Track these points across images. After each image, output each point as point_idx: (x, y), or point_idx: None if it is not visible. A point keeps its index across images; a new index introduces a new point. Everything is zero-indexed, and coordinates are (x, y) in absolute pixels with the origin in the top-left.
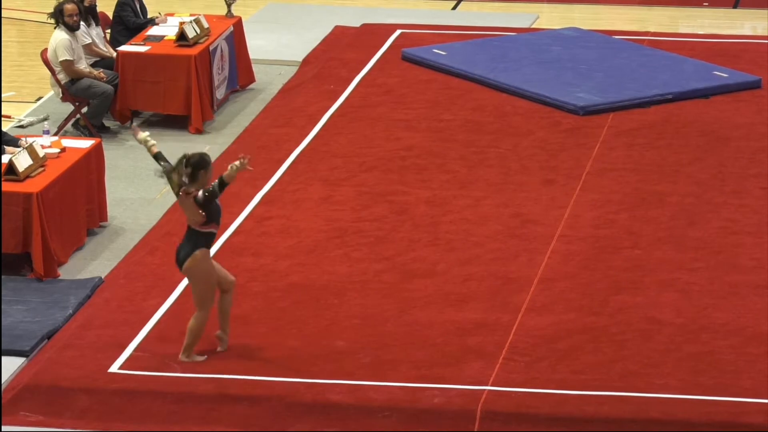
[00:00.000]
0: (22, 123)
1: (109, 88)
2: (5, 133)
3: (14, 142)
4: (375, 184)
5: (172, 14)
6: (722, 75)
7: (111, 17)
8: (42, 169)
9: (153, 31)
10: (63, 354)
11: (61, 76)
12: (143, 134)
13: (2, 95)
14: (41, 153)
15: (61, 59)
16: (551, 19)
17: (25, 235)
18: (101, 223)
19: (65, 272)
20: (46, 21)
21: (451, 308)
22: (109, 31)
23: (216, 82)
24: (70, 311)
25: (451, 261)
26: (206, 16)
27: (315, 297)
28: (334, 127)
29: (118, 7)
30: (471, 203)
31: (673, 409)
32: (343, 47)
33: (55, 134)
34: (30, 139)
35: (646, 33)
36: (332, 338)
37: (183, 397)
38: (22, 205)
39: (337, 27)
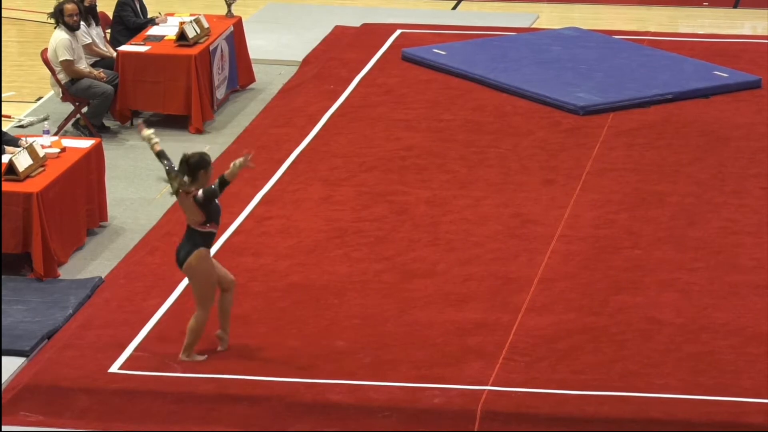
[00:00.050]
0: (22, 123)
1: (109, 88)
2: (5, 133)
3: (14, 142)
4: (375, 184)
5: (172, 14)
6: (722, 75)
7: (111, 17)
8: (42, 169)
9: (153, 31)
10: (63, 354)
11: (61, 76)
12: (148, 131)
13: (2, 95)
14: (41, 153)
15: (61, 59)
16: (551, 19)
17: (25, 235)
18: (101, 223)
19: (65, 272)
20: (46, 21)
21: (451, 308)
22: (109, 31)
23: (216, 82)
24: (70, 311)
25: (451, 261)
26: (206, 16)
27: (315, 297)
28: (334, 127)
29: (118, 7)
30: (471, 203)
31: (673, 409)
32: (343, 47)
33: (55, 134)
34: (30, 139)
35: (646, 33)
36: (332, 338)
37: (183, 397)
38: (22, 205)
39: (337, 27)
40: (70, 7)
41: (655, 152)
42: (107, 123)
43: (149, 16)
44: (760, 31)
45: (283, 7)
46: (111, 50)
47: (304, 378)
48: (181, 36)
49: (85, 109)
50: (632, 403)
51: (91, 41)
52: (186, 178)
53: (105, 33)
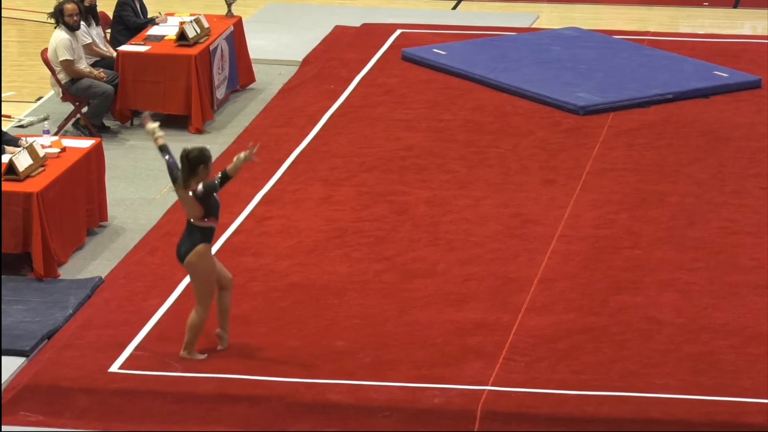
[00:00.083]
0: (22, 123)
1: (109, 87)
2: (5, 132)
3: (14, 142)
4: (375, 184)
5: (172, 14)
6: (722, 75)
7: (111, 17)
8: (42, 168)
9: (153, 30)
10: (63, 354)
11: (62, 76)
12: (152, 125)
13: (2, 95)
14: (41, 153)
15: (61, 59)
16: (551, 19)
17: (25, 235)
18: (101, 223)
19: (65, 272)
20: (46, 21)
21: (451, 308)
22: (109, 30)
23: (216, 82)
24: (70, 311)
25: (451, 261)
26: (206, 16)
27: (315, 297)
28: (334, 127)
29: (119, 7)
30: (471, 203)
31: (673, 409)
32: (343, 47)
33: (56, 134)
34: (30, 139)
35: (646, 33)
36: (332, 338)
37: (183, 397)
38: (22, 204)
39: (337, 27)
40: (70, 7)
41: (655, 152)
42: (107, 123)
43: (149, 16)
44: (760, 31)
45: (283, 7)
46: (111, 50)
47: (304, 378)
48: (181, 36)
49: (85, 109)
50: (632, 403)
51: (91, 41)
52: (185, 173)
53: (105, 33)
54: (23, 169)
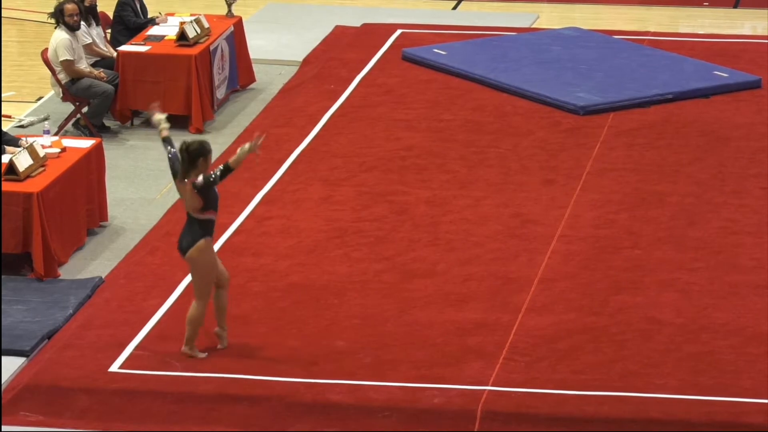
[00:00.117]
0: (22, 123)
1: (109, 87)
2: (5, 132)
3: (14, 142)
4: (375, 184)
5: (172, 14)
6: (722, 75)
7: (111, 17)
8: (42, 168)
9: (153, 30)
10: (63, 354)
11: (62, 76)
12: (160, 116)
13: (2, 95)
14: (42, 153)
15: (61, 59)
16: (551, 19)
17: (25, 235)
18: (101, 223)
19: (65, 272)
20: (46, 21)
21: (451, 308)
22: (109, 30)
23: (216, 82)
24: (71, 311)
25: (451, 261)
26: (206, 16)
27: (315, 297)
28: (335, 127)
29: (119, 7)
30: (471, 203)
31: (673, 409)
32: (343, 47)
33: (56, 134)
34: (30, 139)
35: (646, 33)
36: (332, 338)
37: (183, 397)
38: (23, 204)
39: (337, 27)
40: (70, 7)
41: (655, 152)
42: (107, 123)
43: (149, 16)
44: (760, 31)
45: (283, 7)
46: (111, 50)
47: (304, 378)
48: (182, 36)
49: (85, 109)
50: (632, 403)
51: (91, 41)
52: (185, 166)
53: (105, 33)
54: (23, 169)
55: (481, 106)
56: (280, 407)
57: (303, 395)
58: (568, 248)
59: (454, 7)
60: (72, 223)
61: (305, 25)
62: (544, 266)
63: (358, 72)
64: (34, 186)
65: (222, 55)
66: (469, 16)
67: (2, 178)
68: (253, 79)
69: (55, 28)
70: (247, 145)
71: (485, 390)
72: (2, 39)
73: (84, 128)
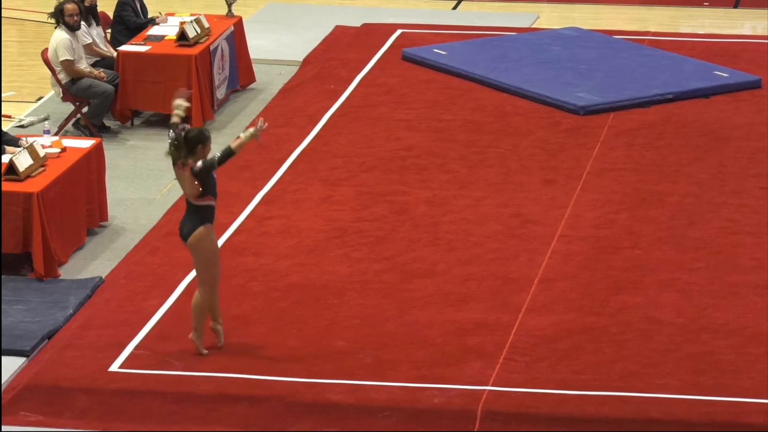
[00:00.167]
0: (22, 123)
1: (109, 87)
2: (5, 132)
3: (15, 142)
4: (375, 184)
5: (172, 14)
6: (722, 75)
7: (111, 17)
8: (42, 168)
9: (153, 30)
10: (63, 354)
11: (62, 76)
12: (182, 101)
13: (2, 95)
14: (42, 153)
15: (61, 59)
16: (551, 19)
17: (25, 235)
18: (101, 223)
19: (65, 272)
20: (46, 21)
21: (451, 308)
22: (109, 30)
23: (216, 82)
24: (71, 311)
25: (451, 261)
26: (207, 16)
27: (315, 297)
28: (335, 127)
29: (119, 7)
30: (471, 203)
31: (673, 409)
32: (343, 47)
33: (56, 134)
34: (30, 139)
35: (647, 33)
36: (332, 338)
37: (183, 397)
38: (23, 204)
39: (337, 27)
40: (70, 7)
41: (655, 152)
42: (107, 123)
43: (150, 16)
44: (760, 31)
45: (283, 7)
46: (111, 50)
47: (304, 378)
48: (182, 36)
49: (85, 109)
50: (632, 403)
51: (91, 41)
52: (183, 151)
53: (105, 33)
54: (23, 169)
55: (481, 106)
56: (280, 407)
57: (303, 395)
58: (568, 248)
59: (454, 7)
60: (72, 223)
61: (305, 25)
62: (544, 266)
63: (358, 72)
64: (34, 186)
65: (222, 55)
66: (469, 16)
67: (2, 178)
68: (253, 79)
69: (55, 28)
70: (249, 131)
71: (485, 390)
72: (2, 39)
73: (84, 128)
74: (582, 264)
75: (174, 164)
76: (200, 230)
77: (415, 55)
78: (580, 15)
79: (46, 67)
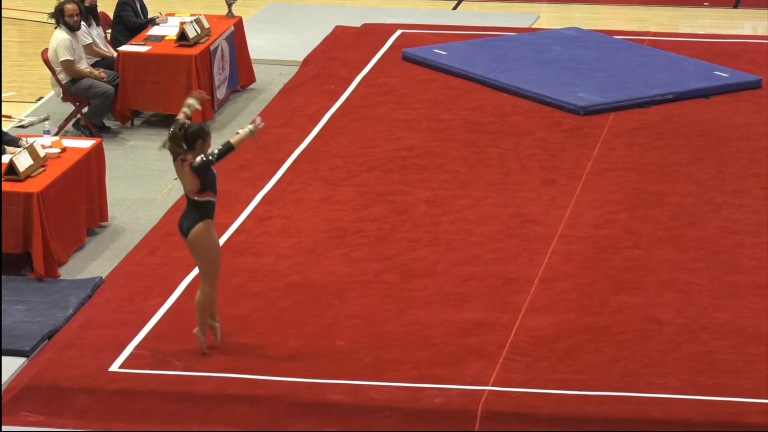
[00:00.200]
0: (22, 123)
1: (109, 88)
2: (6, 133)
3: (15, 142)
4: (375, 184)
5: (172, 14)
6: (722, 75)
7: (111, 17)
8: (42, 169)
9: (153, 31)
10: (63, 354)
11: (62, 76)
12: (194, 101)
13: (2, 95)
14: (42, 153)
15: (61, 59)
16: (551, 19)
17: (25, 235)
18: (101, 223)
19: (65, 272)
20: (46, 21)
21: (451, 308)
22: (109, 31)
23: (216, 82)
24: (71, 311)
25: (452, 261)
26: (207, 16)
27: (315, 297)
28: (335, 127)
29: (119, 7)
30: (471, 203)
31: (673, 409)
32: (343, 47)
33: (56, 134)
34: (30, 139)
35: (646, 33)
36: (332, 338)
37: (183, 397)
38: (23, 205)
39: (337, 27)
40: (70, 7)
41: (656, 152)
42: (108, 123)
43: (150, 16)
44: (760, 31)
45: (284, 7)
46: (111, 50)
47: (304, 378)
48: (182, 36)
49: (85, 109)
50: (632, 403)
51: (91, 41)
52: (182, 146)
53: (105, 33)
54: (24, 169)
55: (481, 106)
56: (280, 407)
57: (303, 395)
58: (568, 248)
59: (454, 7)
60: (72, 223)
61: (305, 25)
62: (545, 266)
63: (359, 72)
64: (34, 186)
65: (222, 55)
66: (469, 16)
67: (2, 178)
68: (253, 79)
69: (55, 28)
70: (249, 127)
71: (485, 390)
72: (2, 39)
73: (84, 128)
74: (582, 264)
75: (174, 159)
76: (200, 226)
77: (415, 55)
78: (580, 15)
79: (46, 67)
